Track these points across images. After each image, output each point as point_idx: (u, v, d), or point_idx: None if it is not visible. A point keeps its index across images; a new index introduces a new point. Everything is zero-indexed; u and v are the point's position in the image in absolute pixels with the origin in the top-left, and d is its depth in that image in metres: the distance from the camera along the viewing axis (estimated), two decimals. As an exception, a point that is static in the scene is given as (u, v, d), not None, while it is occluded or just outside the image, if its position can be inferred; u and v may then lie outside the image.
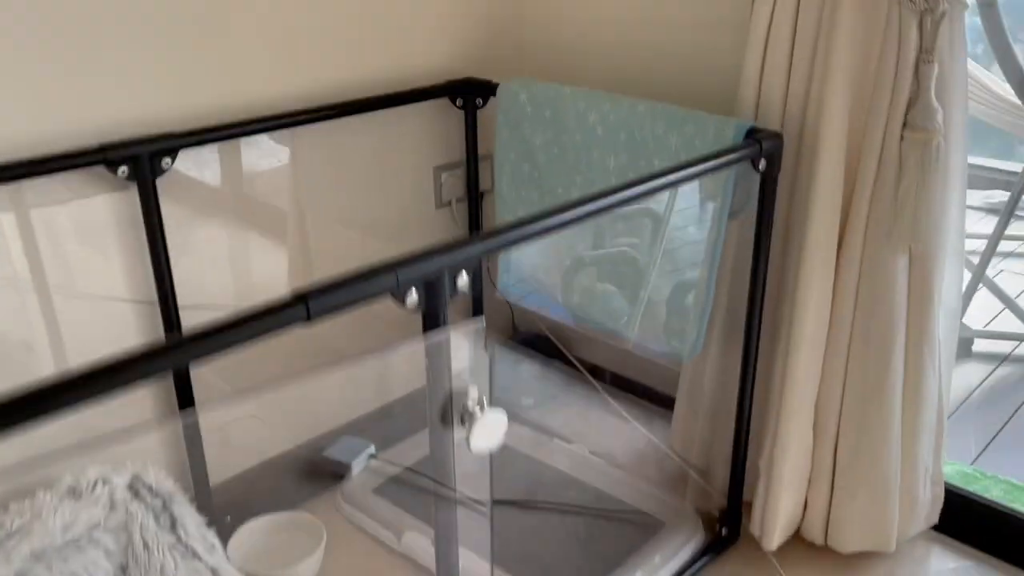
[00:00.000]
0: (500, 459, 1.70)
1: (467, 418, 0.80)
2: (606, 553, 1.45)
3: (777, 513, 1.42)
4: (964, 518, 1.50)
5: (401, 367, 1.77)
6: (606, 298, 1.50)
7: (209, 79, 1.32)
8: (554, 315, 1.60)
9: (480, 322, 0.81)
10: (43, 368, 1.29)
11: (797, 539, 1.48)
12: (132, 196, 1.27)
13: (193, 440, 1.41)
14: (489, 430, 0.79)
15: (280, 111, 1.39)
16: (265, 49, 1.37)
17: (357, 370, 1.70)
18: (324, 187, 1.54)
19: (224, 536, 1.50)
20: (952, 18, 1.17)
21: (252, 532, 1.50)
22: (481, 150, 1.70)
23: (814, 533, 1.47)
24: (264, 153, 1.41)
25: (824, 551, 1.47)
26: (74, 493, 1.22)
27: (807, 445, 1.40)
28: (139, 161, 1.23)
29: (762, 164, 1.21)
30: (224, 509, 1.53)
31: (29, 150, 1.16)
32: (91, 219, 1.25)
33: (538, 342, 1.91)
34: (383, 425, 1.77)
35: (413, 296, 0.82)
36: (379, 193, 1.62)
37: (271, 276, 1.51)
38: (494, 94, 1.57)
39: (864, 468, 1.38)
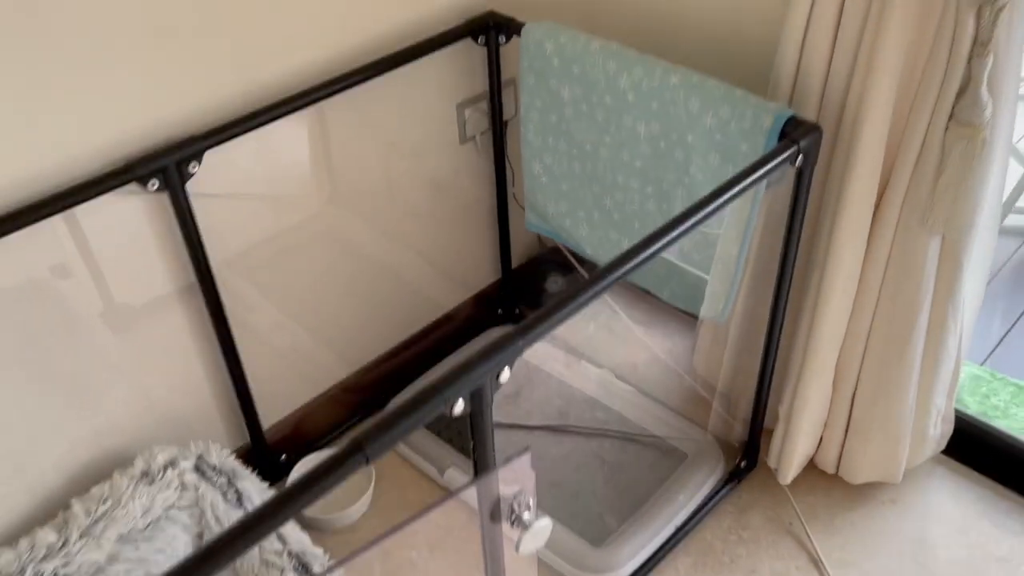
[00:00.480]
0: (533, 381, 1.80)
1: (517, 523, 0.86)
2: (630, 483, 1.57)
3: (793, 454, 1.52)
4: (969, 445, 1.60)
5: (416, 300, 1.82)
6: (635, 255, 1.52)
7: (221, 71, 1.27)
8: (581, 253, 1.62)
9: (527, 458, 0.85)
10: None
11: (810, 466, 1.60)
12: (165, 203, 1.27)
13: (241, 387, 1.50)
14: (537, 536, 0.86)
15: (298, 89, 1.34)
16: (274, 29, 1.30)
17: (399, 292, 1.75)
18: (352, 151, 1.51)
19: (282, 474, 1.64)
20: (1013, 8, 1.09)
21: (306, 469, 1.63)
22: (504, 76, 1.64)
23: (826, 464, 1.58)
24: (288, 133, 1.38)
25: (834, 479, 1.59)
26: (147, 477, 1.34)
27: (826, 396, 1.47)
28: (167, 172, 1.21)
29: (799, 160, 1.18)
30: (280, 447, 1.65)
31: (54, 180, 1.15)
32: (129, 231, 1.26)
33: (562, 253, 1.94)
34: (410, 357, 1.85)
35: (460, 405, 0.86)
36: (403, 141, 1.59)
37: (312, 257, 1.53)
38: (518, 33, 1.49)
39: (880, 415, 1.46)
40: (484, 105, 1.67)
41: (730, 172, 1.28)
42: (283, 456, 1.65)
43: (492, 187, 1.78)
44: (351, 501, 1.57)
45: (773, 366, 1.46)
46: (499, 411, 1.75)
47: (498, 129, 1.68)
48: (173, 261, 1.33)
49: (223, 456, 1.38)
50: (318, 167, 1.48)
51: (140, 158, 1.19)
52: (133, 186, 1.20)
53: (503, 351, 0.88)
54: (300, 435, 1.68)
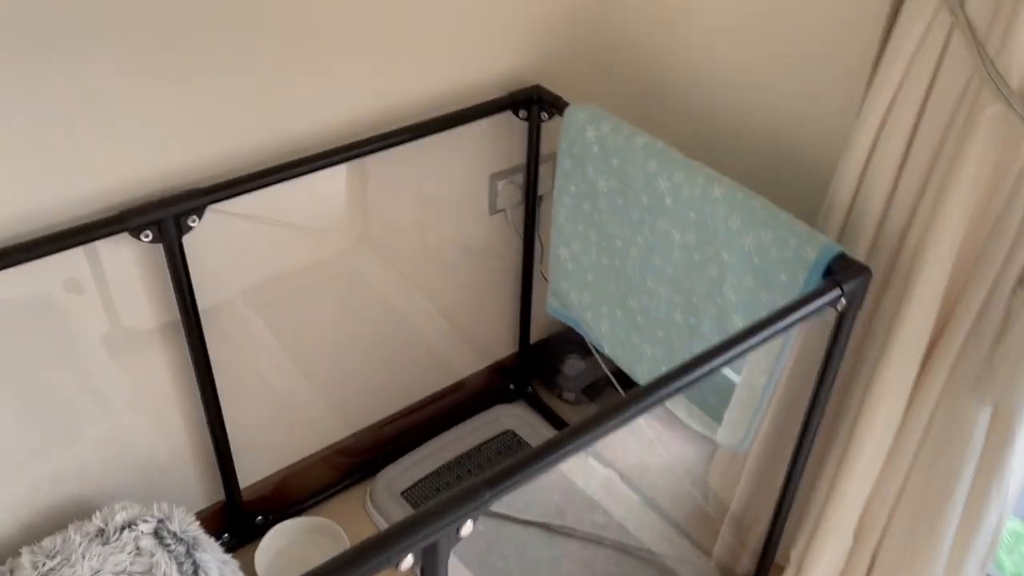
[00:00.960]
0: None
1: None
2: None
3: (802, 605, 1.39)
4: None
5: (429, 363, 1.73)
6: (654, 365, 1.41)
7: (236, 120, 1.20)
8: (599, 348, 1.52)
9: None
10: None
11: (819, 615, 1.46)
12: (158, 254, 1.20)
13: (220, 441, 1.42)
14: None
15: (325, 147, 1.27)
16: (298, 77, 1.23)
17: (410, 354, 1.66)
18: (375, 208, 1.43)
19: (256, 536, 1.55)
20: (1106, 172, 0.97)
21: (280, 536, 1.54)
22: (543, 150, 1.54)
23: (838, 617, 1.44)
24: (307, 188, 1.30)
25: (845, 635, 1.44)
26: (102, 536, 1.26)
27: (845, 550, 1.34)
28: (163, 224, 1.14)
29: (841, 304, 1.06)
30: (258, 508, 1.57)
31: (44, 222, 1.09)
32: (118, 271, 1.19)
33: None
34: (412, 422, 1.76)
35: (408, 561, 0.76)
36: (430, 205, 1.50)
37: (321, 309, 1.45)
38: (561, 112, 1.40)
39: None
40: (518, 178, 1.58)
41: (765, 299, 1.17)
42: (259, 518, 1.56)
43: (519, 260, 1.69)
44: None
45: (791, 505, 1.33)
46: (494, 499, 1.65)
47: (531, 204, 1.59)
48: (160, 303, 1.26)
49: (186, 522, 1.30)
50: (334, 222, 1.40)
51: (135, 208, 1.12)
52: (126, 235, 1.13)
53: (467, 504, 0.78)
54: (282, 496, 1.60)
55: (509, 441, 1.75)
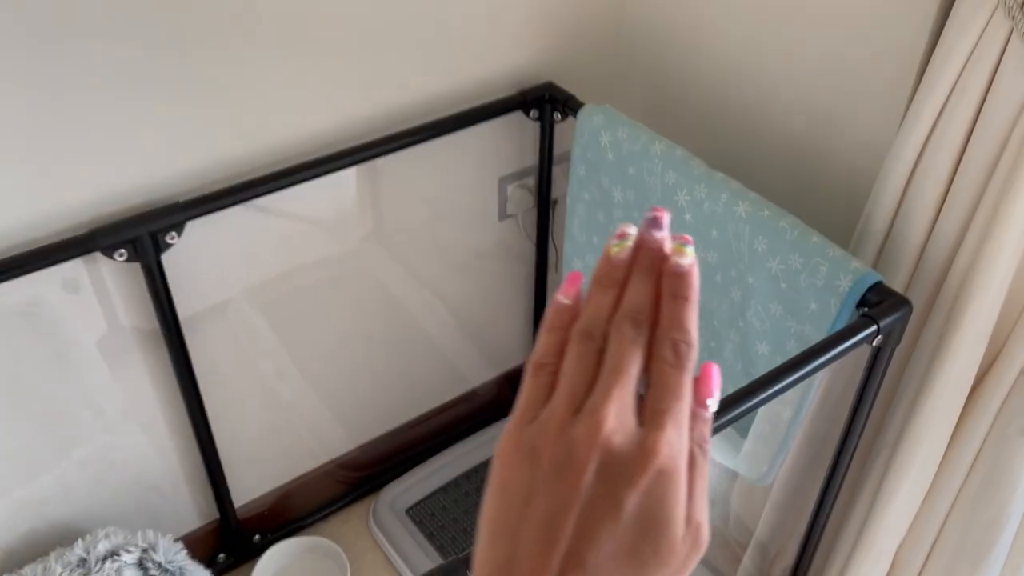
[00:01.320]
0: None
1: None
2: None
3: (827, 646, 1.29)
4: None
5: (437, 372, 1.65)
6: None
7: (220, 128, 1.11)
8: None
9: None
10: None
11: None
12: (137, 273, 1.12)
13: (211, 459, 1.35)
14: None
15: (313, 156, 1.18)
16: (288, 80, 1.14)
17: (421, 363, 1.58)
18: (378, 214, 1.34)
19: (253, 555, 1.49)
20: None
21: (278, 557, 1.47)
22: (556, 151, 1.44)
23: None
24: (301, 201, 1.21)
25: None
26: (83, 566, 1.20)
27: (876, 589, 1.24)
28: (139, 242, 1.06)
29: (878, 340, 0.96)
30: (255, 526, 1.50)
31: (9, 241, 1.01)
32: (97, 288, 1.12)
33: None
34: (419, 435, 1.68)
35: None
36: (437, 211, 1.41)
37: (324, 318, 1.37)
38: (574, 113, 1.29)
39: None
40: (529, 182, 1.48)
41: (793, 328, 1.06)
42: (256, 536, 1.49)
43: (531, 266, 1.59)
44: (318, 606, 1.41)
45: (819, 539, 1.23)
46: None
47: (545, 208, 1.49)
48: (141, 317, 1.18)
49: (172, 552, 1.23)
50: (335, 227, 1.31)
51: (106, 226, 1.04)
52: (98, 254, 1.06)
53: (445, 586, 0.70)
54: (280, 514, 1.53)
55: (521, 455, 1.67)
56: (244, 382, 1.35)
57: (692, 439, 0.34)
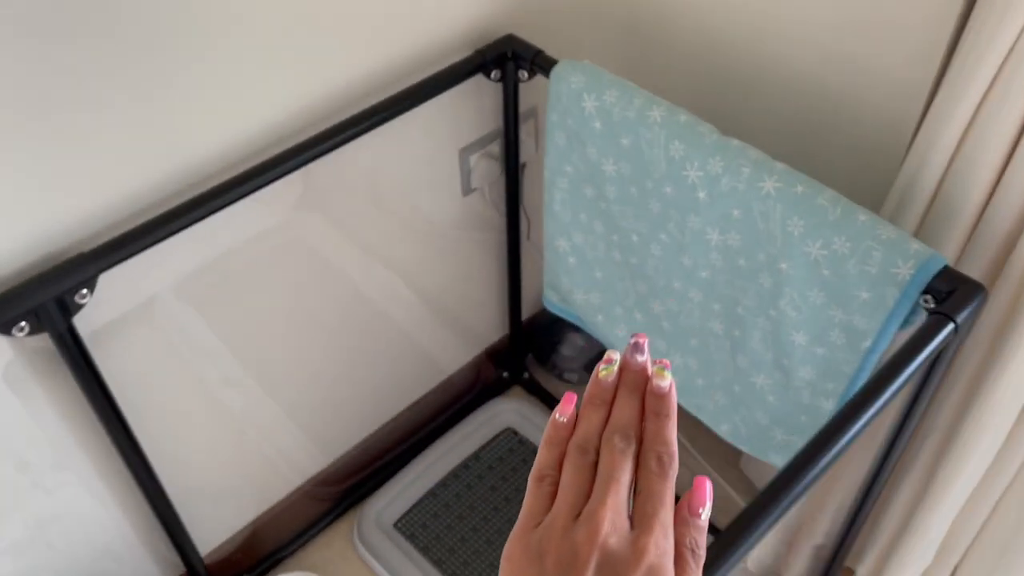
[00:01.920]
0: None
1: None
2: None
3: (871, 625, 1.21)
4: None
5: (411, 364, 1.47)
6: (687, 376, 1.16)
7: (125, 153, 0.89)
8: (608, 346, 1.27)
9: None
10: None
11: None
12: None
13: (166, 516, 1.17)
14: None
15: (246, 166, 0.96)
16: (204, 78, 0.91)
17: (357, 386, 1.40)
18: (324, 212, 1.13)
19: (231, 603, 1.33)
20: None
21: (262, 600, 1.32)
22: (521, 107, 1.24)
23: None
24: (236, 211, 1.00)
25: (915, 640, 1.28)
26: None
27: (923, 567, 1.15)
28: (42, 311, 0.85)
29: (947, 331, 0.82)
30: (227, 573, 1.34)
31: None
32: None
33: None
34: (397, 435, 1.52)
35: None
36: (389, 198, 1.21)
37: (283, 335, 1.17)
38: (544, 71, 1.09)
39: (988, 597, 1.14)
40: (494, 148, 1.28)
41: (838, 319, 0.92)
42: (235, 581, 1.33)
43: (501, 237, 1.41)
44: (314, 653, 1.27)
45: (861, 526, 1.13)
46: (501, 518, 1.43)
47: (513, 174, 1.30)
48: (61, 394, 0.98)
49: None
50: (279, 231, 1.10)
51: (-2, 299, 0.82)
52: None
53: None
54: (254, 551, 1.37)
55: (510, 441, 1.53)
56: (185, 397, 1.13)
57: (685, 544, 0.39)
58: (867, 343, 0.91)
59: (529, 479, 0.42)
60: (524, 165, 1.32)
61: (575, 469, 0.40)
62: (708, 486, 0.40)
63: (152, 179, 0.92)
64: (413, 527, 1.41)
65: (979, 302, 0.82)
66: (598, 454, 0.41)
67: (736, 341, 1.06)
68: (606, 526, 0.38)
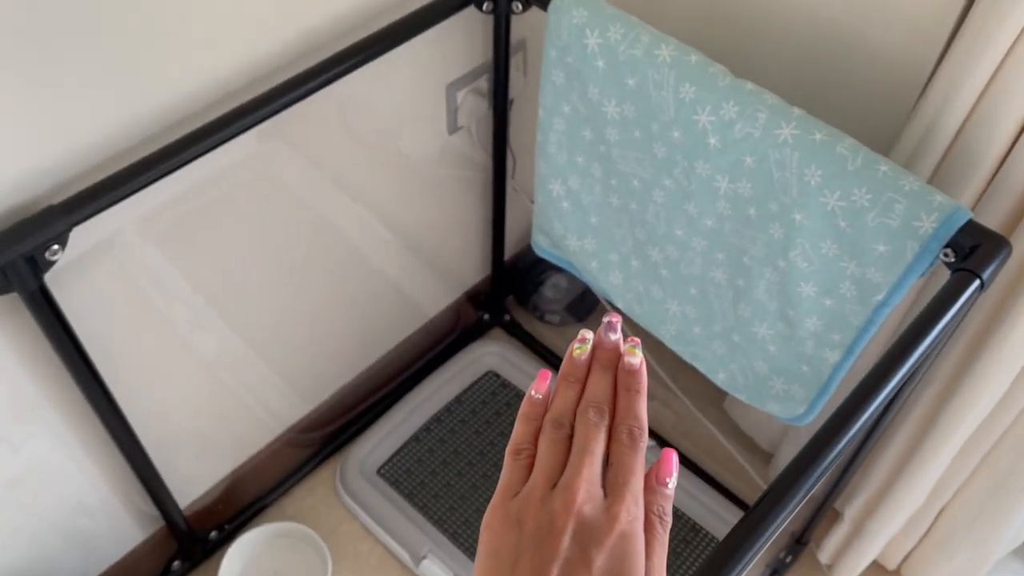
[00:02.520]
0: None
1: None
2: None
3: (859, 564, 1.23)
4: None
5: (391, 307, 1.43)
6: (684, 324, 1.14)
7: (97, 94, 0.81)
8: (607, 300, 1.23)
9: None
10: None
11: (866, 558, 1.32)
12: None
13: (142, 469, 1.12)
14: None
15: (224, 108, 0.89)
16: (182, 12, 0.83)
17: (337, 331, 1.35)
18: (308, 160, 1.06)
19: (210, 553, 1.30)
20: None
21: (243, 550, 1.29)
22: (513, 39, 1.17)
23: (887, 559, 1.30)
24: (215, 157, 0.92)
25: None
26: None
27: (913, 509, 1.16)
28: (11, 269, 0.78)
29: (974, 287, 0.80)
30: (212, 522, 1.30)
31: None
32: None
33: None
34: (377, 380, 1.48)
35: None
36: (370, 136, 1.14)
37: (260, 283, 1.10)
38: (541, 3, 1.02)
39: (978, 537, 1.16)
40: (482, 84, 1.21)
41: (851, 271, 0.89)
42: (212, 534, 1.30)
43: (486, 176, 1.36)
44: (302, 604, 1.25)
45: (854, 473, 1.14)
46: (486, 463, 1.41)
47: (502, 110, 1.24)
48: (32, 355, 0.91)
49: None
50: (258, 178, 1.03)
51: (-38, 257, 0.75)
52: (-44, 297, 0.77)
53: None
54: (234, 502, 1.33)
55: (492, 384, 1.50)
56: (154, 344, 1.06)
57: (653, 511, 0.42)
58: (880, 296, 0.89)
59: (506, 453, 0.44)
60: (512, 102, 1.26)
61: (550, 442, 0.43)
62: (674, 458, 0.43)
63: (120, 125, 0.84)
64: (397, 473, 1.39)
65: (1004, 257, 0.80)
66: (572, 428, 0.43)
67: (739, 290, 1.03)
68: (581, 495, 0.40)
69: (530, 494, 0.41)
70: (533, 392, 0.45)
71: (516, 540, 0.40)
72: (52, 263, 0.81)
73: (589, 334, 0.46)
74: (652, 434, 1.44)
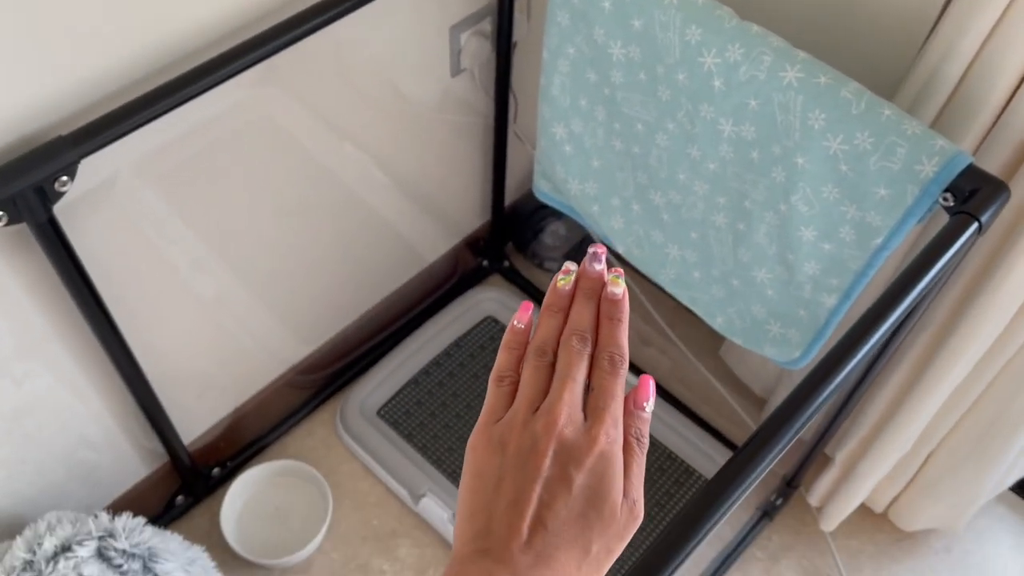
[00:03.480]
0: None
1: None
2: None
3: (847, 507, 1.26)
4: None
5: (390, 252, 1.44)
6: (683, 268, 1.15)
7: (98, 27, 0.80)
8: (607, 245, 1.24)
9: None
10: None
11: (855, 502, 1.35)
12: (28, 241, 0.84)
13: (147, 402, 1.13)
14: None
15: (227, 44, 0.88)
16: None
17: (337, 274, 1.36)
18: (309, 99, 1.06)
19: (212, 490, 1.33)
20: None
21: (245, 487, 1.31)
22: (516, -18, 1.17)
23: (875, 503, 1.33)
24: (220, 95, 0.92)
25: (882, 519, 1.35)
26: (31, 568, 1.01)
27: (901, 454, 1.19)
28: (19, 199, 0.78)
29: (972, 230, 0.81)
30: (215, 458, 1.33)
31: None
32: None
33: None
34: (376, 324, 1.49)
35: None
36: (373, 78, 1.14)
37: (258, 228, 1.11)
38: (548, -58, 1.02)
39: (962, 481, 1.19)
40: (485, 26, 1.21)
41: (851, 215, 0.91)
42: (215, 470, 1.32)
43: (488, 120, 1.36)
44: (306, 535, 1.27)
45: (845, 418, 1.16)
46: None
47: (505, 53, 1.23)
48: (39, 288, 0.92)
49: (135, 533, 1.05)
50: (262, 116, 1.04)
51: (-29, 185, 0.76)
52: (-34, 225, 0.78)
53: None
54: (236, 439, 1.35)
55: (490, 329, 1.51)
56: (156, 284, 1.07)
57: (631, 433, 0.44)
58: (878, 240, 0.90)
59: (489, 380, 0.46)
60: (515, 44, 1.26)
61: (533, 369, 0.45)
62: (651, 384, 0.45)
63: (128, 57, 0.84)
64: (396, 414, 1.41)
65: (1002, 202, 0.81)
66: (555, 356, 0.45)
67: (739, 235, 1.04)
68: (563, 418, 0.42)
69: (513, 418, 0.43)
70: (515, 322, 0.47)
71: (500, 461, 0.42)
72: (61, 194, 0.81)
73: (573, 266, 0.47)
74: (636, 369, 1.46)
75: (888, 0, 0.98)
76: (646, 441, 0.44)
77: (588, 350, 0.44)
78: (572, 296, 0.47)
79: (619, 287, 0.46)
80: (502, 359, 0.46)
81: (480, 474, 0.43)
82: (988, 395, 1.08)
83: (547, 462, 0.41)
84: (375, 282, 1.43)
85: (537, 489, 0.41)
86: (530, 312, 0.47)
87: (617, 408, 0.43)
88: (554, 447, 0.41)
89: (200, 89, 0.85)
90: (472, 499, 0.43)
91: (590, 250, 0.48)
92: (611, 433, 0.42)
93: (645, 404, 0.44)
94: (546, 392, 0.44)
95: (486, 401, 0.45)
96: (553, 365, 0.45)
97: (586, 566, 0.41)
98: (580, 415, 0.43)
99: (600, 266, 0.47)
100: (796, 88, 0.87)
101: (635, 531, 0.43)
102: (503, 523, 0.41)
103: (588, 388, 0.44)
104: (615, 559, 0.42)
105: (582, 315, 0.46)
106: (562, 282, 0.47)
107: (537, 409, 0.43)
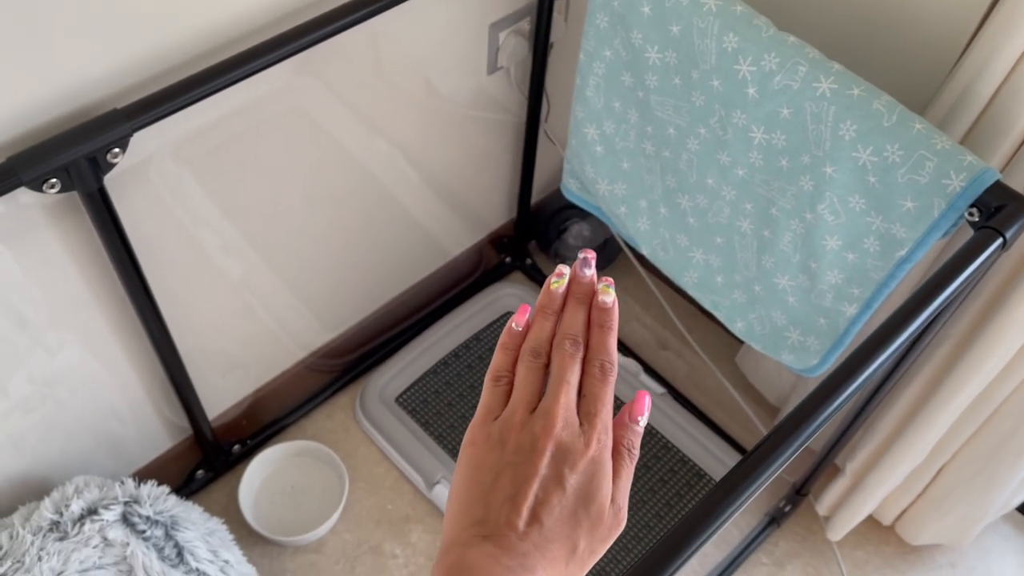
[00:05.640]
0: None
1: None
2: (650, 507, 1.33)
3: (855, 517, 1.28)
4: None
5: (416, 243, 1.46)
6: (707, 273, 1.17)
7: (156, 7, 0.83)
8: (633, 246, 1.26)
9: None
10: None
11: (863, 513, 1.37)
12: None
13: (177, 376, 1.16)
14: None
15: (273, 31, 0.91)
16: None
17: (364, 263, 1.39)
18: (345, 90, 1.09)
19: (232, 466, 1.35)
20: None
21: (264, 465, 1.34)
22: (556, -16, 1.19)
23: (882, 515, 1.35)
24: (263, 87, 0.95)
25: (888, 533, 1.36)
26: (58, 529, 1.04)
27: (914, 466, 1.20)
28: (72, 168, 0.81)
29: (996, 245, 0.83)
30: (235, 435, 1.35)
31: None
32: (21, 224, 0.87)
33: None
34: (398, 314, 1.52)
35: None
36: (413, 70, 1.16)
37: (290, 212, 1.14)
38: (592, -54, 1.04)
39: (974, 495, 1.21)
40: (524, 26, 1.23)
41: (876, 226, 0.92)
42: (236, 447, 1.35)
43: (520, 119, 1.38)
44: (321, 515, 1.30)
45: (858, 428, 1.18)
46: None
47: (542, 53, 1.26)
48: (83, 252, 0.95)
49: (160, 501, 1.08)
50: (299, 106, 1.06)
51: (29, 151, 0.78)
52: (25, 191, 0.80)
53: None
54: (257, 418, 1.38)
55: (510, 325, 1.53)
56: (203, 284, 1.13)
57: (623, 444, 0.46)
58: (902, 252, 0.92)
59: (486, 379, 0.48)
60: (552, 45, 1.28)
61: (528, 370, 0.47)
62: (647, 400, 0.48)
63: (179, 40, 0.87)
64: (414, 403, 1.43)
65: (1025, 219, 0.83)
66: (548, 358, 0.47)
67: (764, 241, 1.06)
68: (560, 421, 0.44)
69: (511, 417, 0.45)
70: (513, 324, 0.49)
71: (498, 457, 0.45)
72: (112, 165, 0.84)
73: (566, 269, 0.49)
74: (666, 386, 1.48)
75: (923, 18, 1.00)
76: (636, 452, 0.46)
77: (580, 354, 0.47)
78: (565, 298, 0.49)
79: (609, 296, 0.48)
80: (499, 359, 0.48)
81: (479, 468, 0.45)
82: (1001, 413, 1.09)
83: (545, 461, 0.44)
84: (399, 273, 1.46)
85: (534, 486, 0.43)
86: (527, 315, 0.49)
87: (607, 415, 0.46)
88: (552, 448, 0.44)
89: (245, 73, 0.88)
90: (469, 490, 0.44)
91: (580, 255, 0.50)
92: (603, 439, 0.45)
93: (639, 419, 0.47)
94: (540, 392, 0.46)
95: (482, 399, 0.48)
96: (546, 367, 0.47)
97: (572, 564, 0.43)
98: (575, 418, 0.45)
99: (591, 272, 0.49)
100: (829, 99, 0.89)
101: (617, 536, 0.45)
102: (501, 515, 0.43)
103: (580, 392, 0.46)
104: (596, 561, 0.45)
105: (574, 319, 0.47)
106: (555, 284, 0.49)
107: (533, 409, 0.45)
